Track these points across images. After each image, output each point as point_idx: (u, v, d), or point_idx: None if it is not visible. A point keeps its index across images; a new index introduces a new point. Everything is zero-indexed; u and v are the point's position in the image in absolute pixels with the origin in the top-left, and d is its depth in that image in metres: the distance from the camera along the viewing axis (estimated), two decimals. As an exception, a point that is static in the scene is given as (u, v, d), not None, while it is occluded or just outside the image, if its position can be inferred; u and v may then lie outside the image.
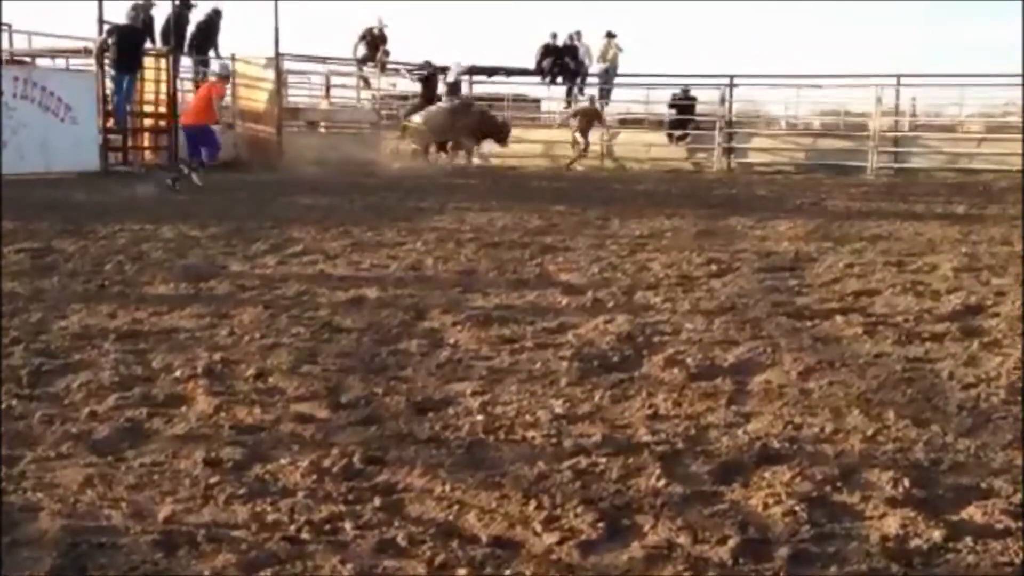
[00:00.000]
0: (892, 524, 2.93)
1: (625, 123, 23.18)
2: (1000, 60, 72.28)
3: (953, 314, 6.04)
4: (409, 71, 21.74)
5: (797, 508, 3.05)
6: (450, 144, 19.64)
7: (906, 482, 3.25)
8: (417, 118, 19.33)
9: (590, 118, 20.21)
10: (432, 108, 19.65)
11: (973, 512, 3.05)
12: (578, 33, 22.58)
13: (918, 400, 4.26)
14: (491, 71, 22.90)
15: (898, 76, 20.88)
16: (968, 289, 6.85)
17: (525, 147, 20.72)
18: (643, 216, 11.23)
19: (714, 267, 7.77)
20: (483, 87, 23.59)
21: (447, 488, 3.21)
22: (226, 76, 16.54)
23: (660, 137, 21.90)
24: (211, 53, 19.58)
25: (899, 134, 21.09)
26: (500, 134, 19.68)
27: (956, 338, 5.43)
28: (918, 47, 57.84)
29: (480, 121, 19.56)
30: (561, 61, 21.82)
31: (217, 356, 4.77)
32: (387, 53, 22.11)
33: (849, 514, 3.05)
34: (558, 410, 4.10)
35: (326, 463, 3.35)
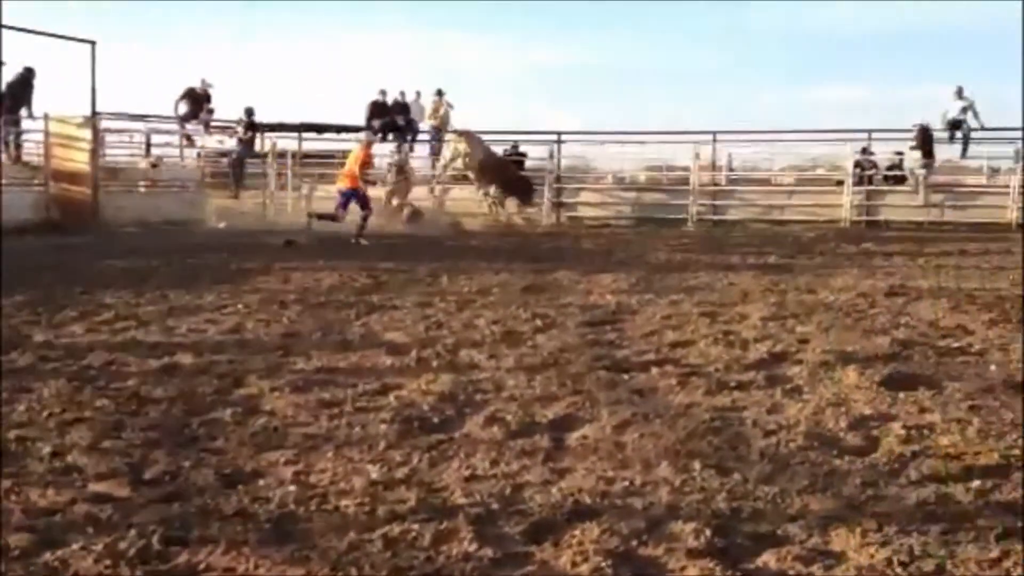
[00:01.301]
0: (692, 575, 3.02)
1: (457, 179, 23.42)
2: (808, 119, 77.07)
3: (760, 363, 6.32)
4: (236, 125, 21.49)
5: (603, 564, 3.11)
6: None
7: (707, 532, 3.36)
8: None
9: (401, 174, 20.24)
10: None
11: (768, 559, 3.18)
12: (417, 93, 22.81)
13: (723, 449, 4.43)
14: (321, 128, 22.81)
15: (714, 133, 21.94)
16: (775, 338, 7.19)
17: (354, 204, 20.56)
18: (473, 272, 11.32)
19: (539, 322, 7.89)
20: (313, 144, 23.43)
21: (251, 565, 3.12)
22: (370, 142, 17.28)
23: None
24: (23, 112, 18.72)
25: (717, 188, 22.07)
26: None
27: (761, 386, 5.68)
28: (731, 107, 61.06)
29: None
30: (391, 119, 21.92)
31: (12, 435, 4.51)
32: (211, 111, 21.71)
33: (653, 567, 3.14)
34: (374, 476, 4.06)
35: (122, 546, 3.20)
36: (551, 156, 21.60)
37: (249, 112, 21.54)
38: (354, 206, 15.76)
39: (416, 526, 3.46)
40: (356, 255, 13.34)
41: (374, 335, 7.40)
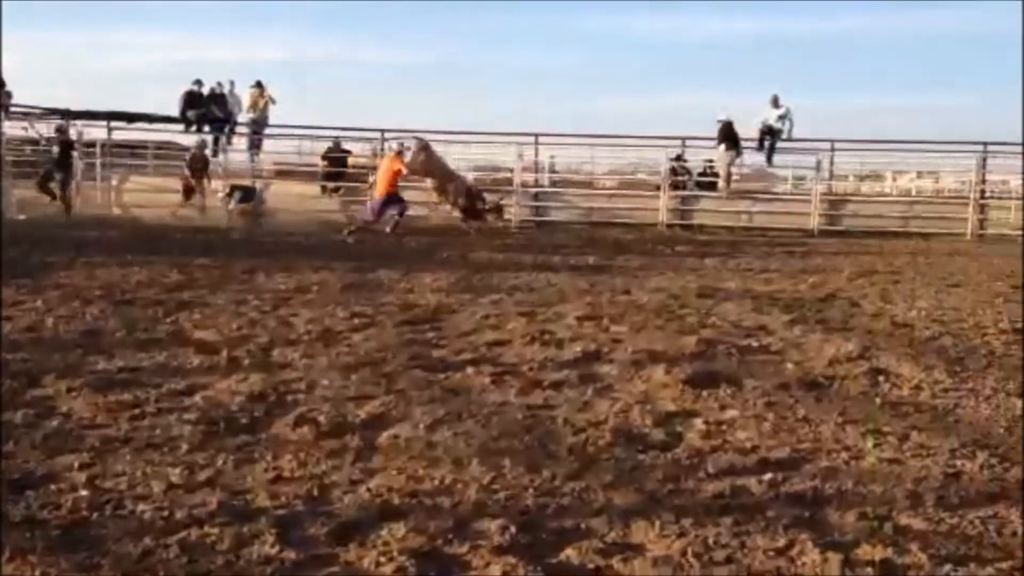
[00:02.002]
0: (495, 572, 3.05)
1: (279, 175, 22.92)
2: (631, 126, 79.52)
3: (573, 361, 6.45)
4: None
5: (407, 564, 3.10)
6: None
7: (513, 529, 3.40)
8: None
9: (198, 165, 19.66)
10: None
11: (570, 554, 3.24)
12: (232, 83, 22.10)
13: (534, 446, 4.49)
14: (132, 117, 21.81)
15: (536, 135, 22.26)
16: (589, 337, 7.35)
17: (170, 197, 19.84)
18: (291, 270, 11.09)
19: (357, 321, 7.80)
20: (124, 134, 22.40)
21: (37, 574, 2.94)
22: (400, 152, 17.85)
23: (314, 189, 21.85)
24: None
25: (539, 189, 22.43)
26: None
27: (573, 384, 5.79)
28: (560, 110, 62.51)
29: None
30: (207, 110, 21.21)
31: None
32: (9, 95, 20.39)
33: (457, 565, 3.14)
34: (174, 479, 3.91)
35: None
36: (375, 154, 21.40)
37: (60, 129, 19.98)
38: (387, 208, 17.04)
39: (216, 530, 3.36)
40: (169, 250, 12.83)
41: (183, 333, 7.14)
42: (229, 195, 19.49)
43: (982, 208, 21.00)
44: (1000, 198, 24.20)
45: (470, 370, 6.09)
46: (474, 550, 3.24)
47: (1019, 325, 8.23)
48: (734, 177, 22.74)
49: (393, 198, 17.25)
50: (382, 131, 21.83)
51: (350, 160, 22.24)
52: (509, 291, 9.93)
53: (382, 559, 3.15)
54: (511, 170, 22.24)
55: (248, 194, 19.86)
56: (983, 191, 21.34)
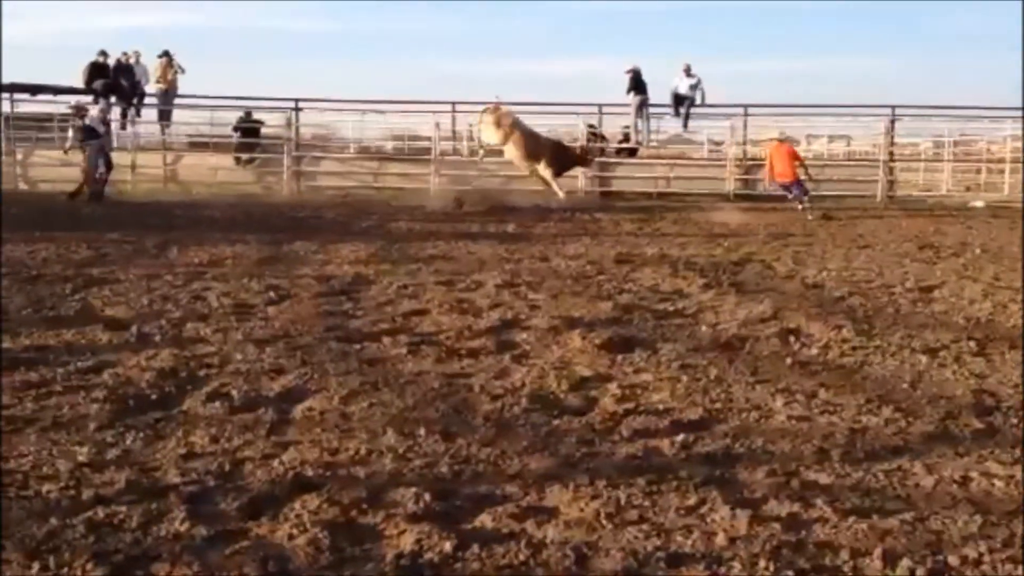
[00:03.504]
0: (408, 540, 3.05)
1: (191, 146, 22.41)
2: (563, 91, 79.60)
3: (490, 329, 6.46)
4: None
5: (321, 536, 3.08)
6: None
7: (427, 497, 3.40)
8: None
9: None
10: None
11: (485, 519, 3.25)
12: (136, 53, 21.47)
13: (450, 415, 4.50)
14: (35, 89, 21.08)
15: (454, 103, 22.12)
16: (507, 305, 7.36)
17: (77, 171, 19.25)
18: (204, 243, 10.87)
19: (272, 294, 7.69)
20: (30, 106, 21.66)
21: (-66, 561, 2.85)
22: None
23: (227, 160, 21.42)
24: None
25: (458, 158, 22.32)
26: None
27: (491, 352, 5.80)
28: (471, 78, 62.33)
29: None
30: (114, 81, 20.58)
31: None
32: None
33: (371, 535, 3.13)
34: (82, 458, 3.82)
35: None
36: (289, 124, 21.06)
37: None
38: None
39: (124, 508, 3.30)
40: (79, 226, 12.47)
41: (92, 310, 6.97)
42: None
43: (891, 170, 21.50)
44: (909, 160, 24.84)
45: (387, 340, 6.06)
46: (388, 519, 3.23)
47: (923, 284, 8.48)
48: (652, 143, 22.94)
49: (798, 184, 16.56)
50: (295, 100, 21.49)
51: (263, 130, 21.85)
52: (427, 261, 9.89)
53: (294, 531, 3.12)
54: (429, 139, 22.08)
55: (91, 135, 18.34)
56: (892, 154, 21.83)
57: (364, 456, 3.89)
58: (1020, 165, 21.68)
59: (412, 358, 5.63)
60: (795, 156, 17.15)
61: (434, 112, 21.58)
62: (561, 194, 17.92)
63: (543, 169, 17.64)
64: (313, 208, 16.56)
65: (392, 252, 10.60)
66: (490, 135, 18.16)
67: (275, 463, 3.80)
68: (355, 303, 7.43)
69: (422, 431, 4.18)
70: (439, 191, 19.94)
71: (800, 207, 16.08)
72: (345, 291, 7.96)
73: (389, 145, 26.07)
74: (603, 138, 22.26)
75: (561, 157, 18.08)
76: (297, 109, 21.32)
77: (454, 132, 22.62)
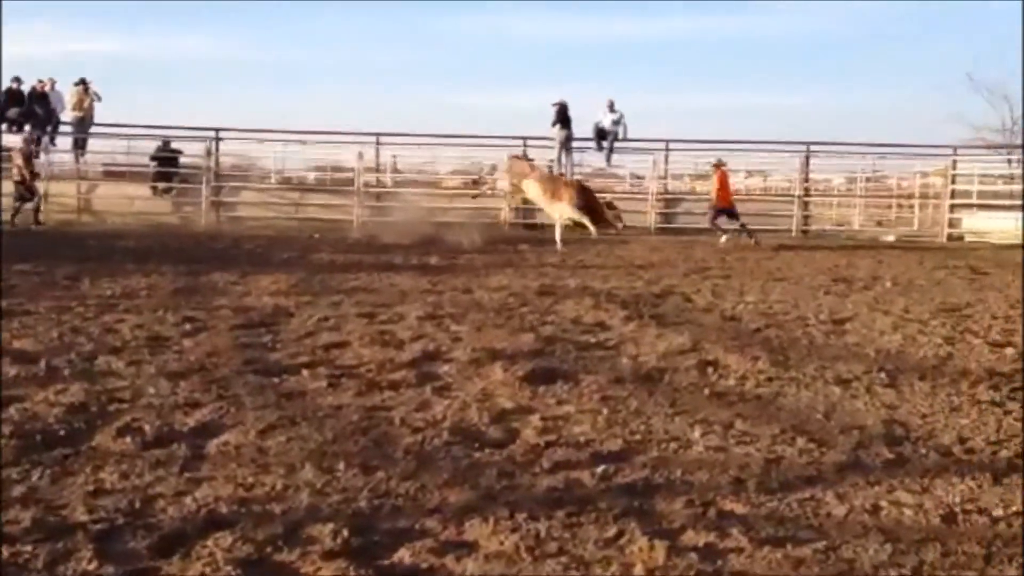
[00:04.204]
0: (325, 577, 2.99)
1: (107, 175, 21.98)
2: (480, 123, 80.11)
3: (412, 362, 6.41)
4: None
5: (234, 573, 3.01)
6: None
7: (345, 532, 3.35)
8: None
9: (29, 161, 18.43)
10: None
11: (403, 555, 3.22)
12: (52, 80, 21.05)
13: (369, 448, 4.45)
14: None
15: (378, 135, 22.10)
16: (429, 337, 7.33)
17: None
18: (118, 274, 10.63)
19: (188, 326, 7.55)
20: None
21: None
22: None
23: (144, 190, 21.06)
24: None
25: (382, 189, 22.27)
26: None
27: (412, 384, 5.76)
28: (398, 109, 62.31)
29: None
30: (29, 109, 20.14)
31: None
32: None
33: (286, 573, 3.07)
34: (-16, 497, 3.68)
35: None
36: (208, 153, 20.79)
37: None
38: None
39: (30, 547, 3.18)
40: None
41: (-2, 343, 6.75)
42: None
43: (806, 205, 22.04)
44: (823, 195, 25.50)
45: (306, 373, 5.98)
46: (304, 556, 3.17)
47: (836, 316, 8.69)
48: (575, 176, 23.16)
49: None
50: (216, 129, 21.23)
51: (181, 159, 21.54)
52: (349, 292, 9.81)
53: (207, 570, 3.05)
54: (352, 170, 21.99)
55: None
56: (807, 189, 22.39)
57: (280, 491, 3.82)
58: (929, 200, 22.42)
59: (332, 391, 5.56)
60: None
61: (358, 143, 21.52)
62: (618, 225, 17.36)
63: (570, 209, 16.48)
64: (232, 239, 16.35)
65: (313, 284, 10.50)
66: (504, 183, 17.86)
67: (188, 500, 3.71)
68: (274, 335, 7.32)
69: (341, 465, 4.12)
70: (362, 223, 19.87)
71: (742, 237, 16.50)
72: (264, 323, 7.85)
73: (311, 176, 25.92)
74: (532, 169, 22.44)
75: (587, 197, 16.89)
76: (217, 139, 21.09)
77: (377, 164, 22.57)
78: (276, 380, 5.82)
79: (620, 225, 17.88)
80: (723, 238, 17.01)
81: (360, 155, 21.28)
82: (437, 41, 74.07)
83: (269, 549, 3.22)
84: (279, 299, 9.22)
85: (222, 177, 21.47)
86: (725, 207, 17.36)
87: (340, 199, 21.30)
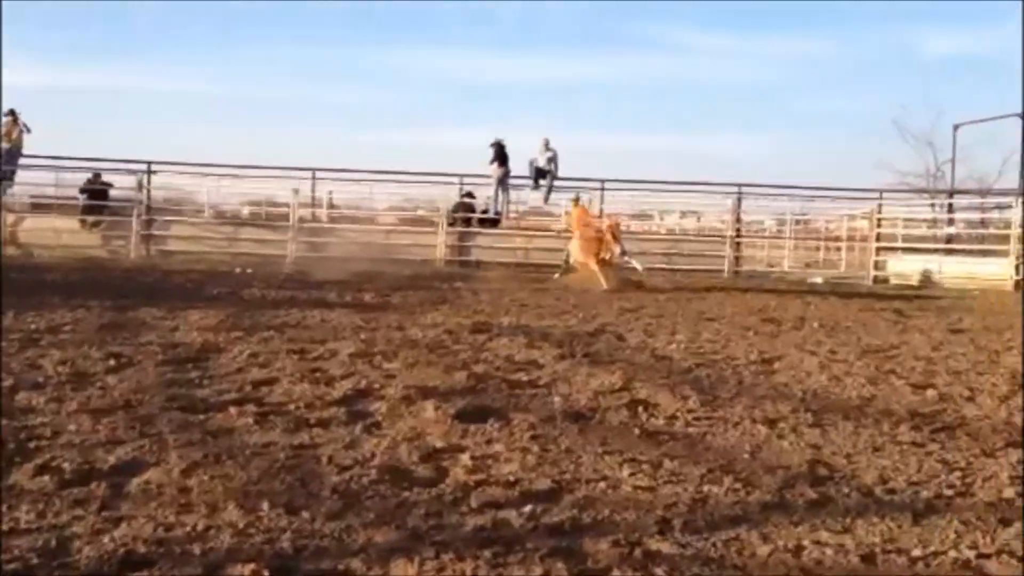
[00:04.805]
0: (244, 620, 2.93)
1: (34, 208, 21.56)
2: (406, 160, 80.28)
3: (343, 399, 6.36)
4: None
5: (150, 617, 2.93)
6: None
7: (267, 573, 3.29)
8: None
9: None
10: None
11: (326, 597, 3.16)
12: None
13: (295, 487, 4.38)
14: None
15: (313, 170, 22.02)
16: (361, 374, 7.27)
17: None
18: (43, 308, 10.39)
19: (113, 362, 7.39)
20: None
21: None
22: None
23: (72, 223, 20.67)
24: None
25: (317, 224, 22.16)
26: None
27: (342, 422, 5.70)
28: (330, 145, 62.37)
29: None
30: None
31: None
32: None
33: (205, 615, 3.00)
34: None
35: None
36: (140, 186, 20.51)
37: None
38: None
39: (-64, 592, 3.07)
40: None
41: (-87, 378, 6.54)
42: None
43: (738, 246, 22.41)
44: (754, 237, 25.96)
45: (233, 410, 5.88)
46: (224, 598, 3.11)
47: (765, 356, 8.82)
48: (511, 215, 23.34)
49: None
50: (148, 162, 20.96)
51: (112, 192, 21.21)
52: (280, 329, 9.71)
53: (122, 613, 2.97)
54: (287, 205, 21.86)
55: None
56: (739, 230, 22.79)
57: (202, 531, 3.74)
58: (855, 243, 22.95)
59: (259, 429, 5.47)
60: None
61: (293, 178, 21.44)
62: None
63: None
64: (162, 273, 16.11)
65: (244, 319, 10.36)
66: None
67: (105, 539, 3.61)
68: (202, 372, 7.21)
69: (265, 505, 4.06)
70: (296, 258, 19.71)
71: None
72: (192, 359, 7.72)
73: (246, 210, 25.71)
74: (473, 208, 22.59)
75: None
76: (149, 171, 20.82)
77: (313, 199, 22.49)
78: (202, 417, 5.72)
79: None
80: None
81: (295, 190, 21.17)
82: (375, 78, 74.28)
83: (188, 591, 3.15)
84: (208, 335, 9.09)
85: (154, 210, 21.17)
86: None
87: (274, 234, 21.15)
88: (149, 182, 20.81)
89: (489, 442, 5.38)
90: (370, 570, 3.42)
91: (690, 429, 5.84)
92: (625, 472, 4.80)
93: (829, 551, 3.77)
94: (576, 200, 19.48)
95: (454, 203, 22.83)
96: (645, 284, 16.47)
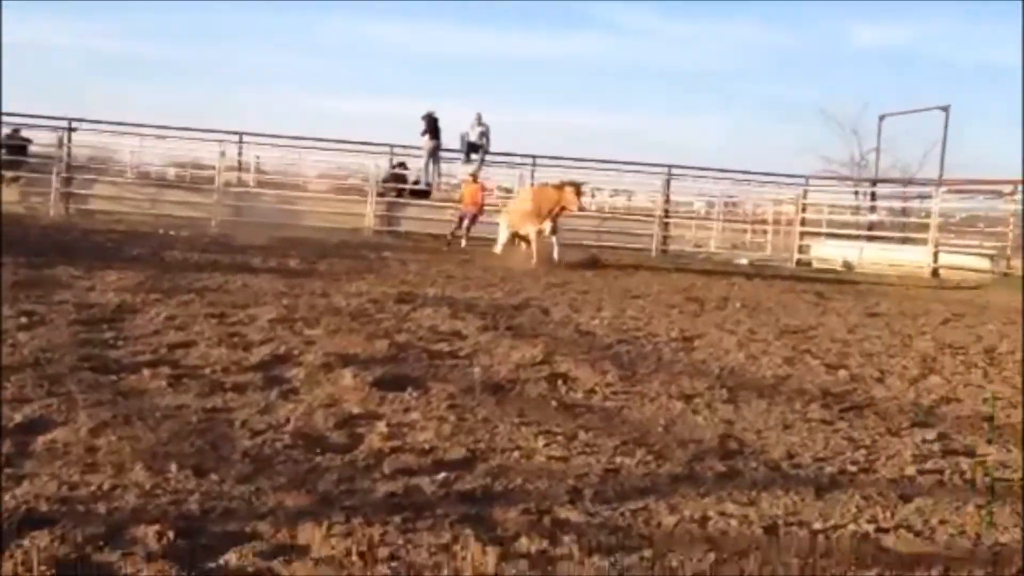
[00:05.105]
0: (144, 580, 2.90)
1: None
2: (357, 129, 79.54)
3: (260, 364, 6.29)
4: None
5: (49, 574, 2.89)
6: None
7: (171, 534, 3.25)
8: None
9: None
10: None
11: (230, 558, 3.14)
12: None
13: (205, 450, 4.33)
14: None
15: (240, 134, 21.65)
16: (280, 339, 7.19)
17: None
18: (-47, 263, 10.08)
19: (25, 320, 7.21)
20: None
21: None
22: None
23: (-9, 178, 20.06)
24: None
25: (243, 189, 21.80)
26: None
27: (258, 387, 5.65)
28: (262, 110, 61.48)
29: None
30: None
31: None
32: None
33: (105, 573, 2.96)
34: None
35: None
36: (60, 143, 19.95)
37: None
38: None
39: None
40: None
41: None
42: None
43: (666, 226, 22.63)
44: (683, 217, 26.25)
45: (147, 372, 5.79)
46: (126, 557, 3.07)
47: (686, 334, 8.94)
48: (442, 186, 23.23)
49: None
50: (69, 120, 20.40)
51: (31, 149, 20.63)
52: (200, 292, 9.55)
53: (20, 570, 2.92)
54: (213, 168, 21.46)
55: None
56: (667, 211, 23.01)
57: (107, 491, 3.68)
58: (781, 227, 23.35)
59: (172, 391, 5.39)
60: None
61: (219, 141, 21.03)
62: None
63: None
64: (81, 232, 15.73)
65: (163, 281, 10.18)
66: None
67: (7, 497, 3.54)
68: (117, 333, 7.07)
69: (173, 466, 4.01)
70: (220, 222, 19.39)
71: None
72: (107, 320, 7.57)
73: (171, 172, 25.20)
74: (405, 179, 22.45)
75: None
76: (70, 128, 20.25)
77: (240, 162, 22.11)
78: (114, 378, 5.62)
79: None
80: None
81: (222, 153, 20.79)
82: (308, 44, 73.20)
83: (89, 549, 3.11)
84: (125, 296, 8.91)
85: (74, 168, 20.63)
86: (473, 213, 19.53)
87: (199, 197, 20.76)
88: (70, 139, 20.27)
89: (406, 410, 5.38)
90: (278, 533, 3.41)
91: (607, 403, 5.90)
92: (540, 443, 4.84)
93: (734, 522, 3.85)
94: (474, 177, 20.36)
95: (386, 173, 22.65)
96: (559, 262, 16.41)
